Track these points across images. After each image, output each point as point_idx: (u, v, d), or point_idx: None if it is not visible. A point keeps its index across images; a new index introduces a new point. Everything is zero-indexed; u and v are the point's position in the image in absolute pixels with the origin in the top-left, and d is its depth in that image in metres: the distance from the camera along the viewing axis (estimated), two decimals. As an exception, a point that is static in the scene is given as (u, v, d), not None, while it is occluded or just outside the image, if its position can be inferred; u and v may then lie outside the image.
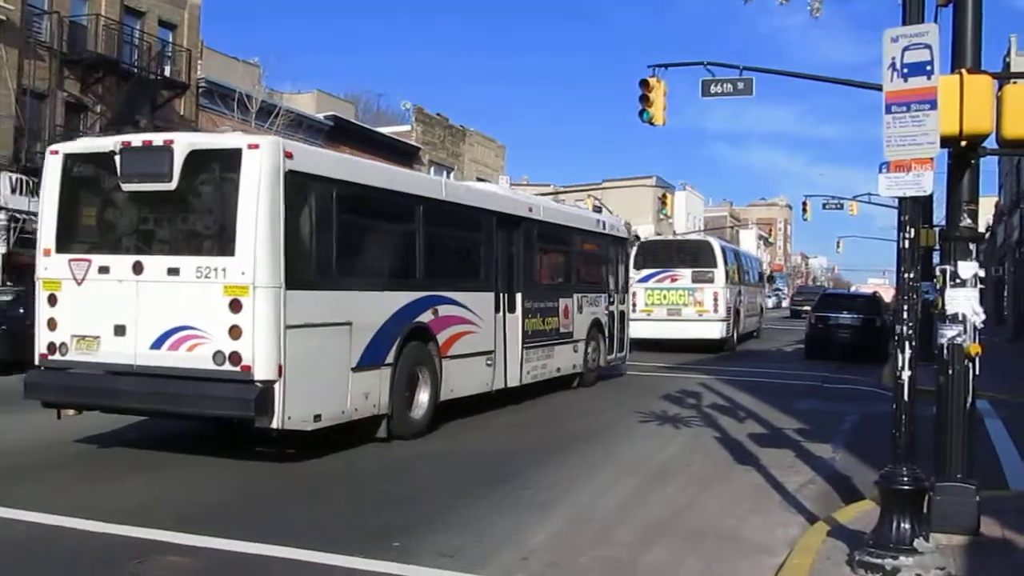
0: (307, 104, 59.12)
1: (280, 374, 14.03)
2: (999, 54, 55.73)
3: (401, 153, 60.75)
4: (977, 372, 11.14)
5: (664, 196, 73.19)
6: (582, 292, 24.83)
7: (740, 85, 27.04)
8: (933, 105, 9.70)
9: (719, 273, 38.88)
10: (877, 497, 10.59)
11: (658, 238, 48.44)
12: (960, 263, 11.11)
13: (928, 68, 9.71)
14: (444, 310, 18.15)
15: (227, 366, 14.00)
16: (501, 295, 20.44)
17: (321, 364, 14.84)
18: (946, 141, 10.56)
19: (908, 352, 9.98)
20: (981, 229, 11.66)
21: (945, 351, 11.13)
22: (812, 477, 14.81)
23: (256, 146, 14.19)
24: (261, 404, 13.89)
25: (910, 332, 10.01)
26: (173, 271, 14.37)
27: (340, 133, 56.32)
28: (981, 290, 11.12)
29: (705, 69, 27.18)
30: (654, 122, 27.10)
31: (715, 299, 38.61)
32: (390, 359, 16.41)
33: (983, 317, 11.08)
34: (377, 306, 16.24)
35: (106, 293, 14.78)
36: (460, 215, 19.23)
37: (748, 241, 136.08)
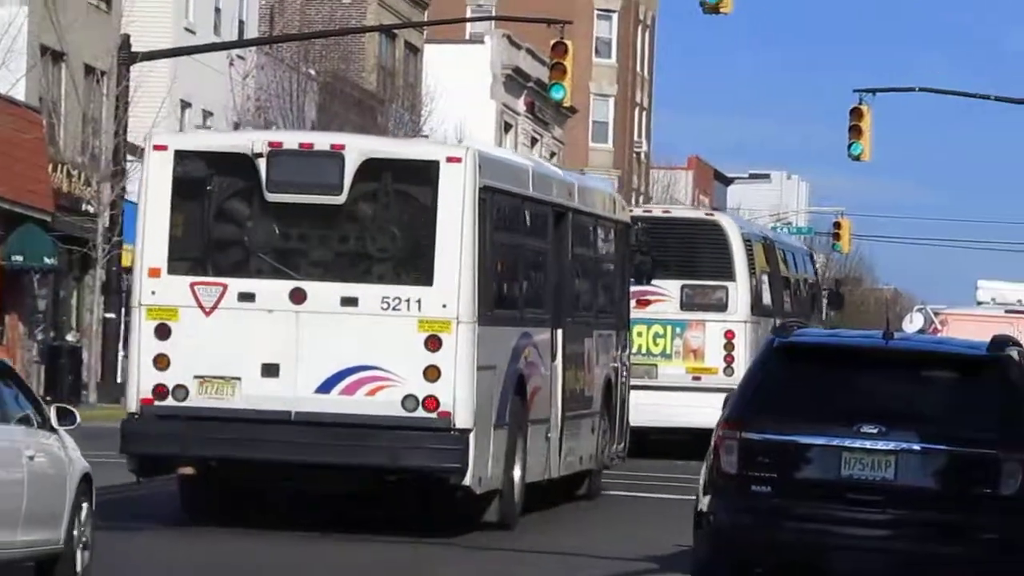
0: None
1: (475, 423, 12.36)
2: None
3: None
4: None
5: None
6: (599, 329, 17.35)
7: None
8: None
9: (740, 289, 22.03)
10: None
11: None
12: None
13: None
14: (531, 354, 14.83)
15: (419, 412, 12.34)
16: (552, 332, 15.51)
17: (484, 416, 13.10)
18: None
19: None
20: None
21: None
22: None
23: (457, 159, 12.61)
24: (464, 456, 12.34)
25: None
26: (349, 301, 12.50)
27: None
28: None
29: None
30: None
31: (730, 345, 21.77)
32: (507, 417, 13.87)
33: None
34: (505, 346, 14.16)
35: (249, 325, 12.70)
36: (539, 215, 15.37)
37: (473, 95, 55.88)
